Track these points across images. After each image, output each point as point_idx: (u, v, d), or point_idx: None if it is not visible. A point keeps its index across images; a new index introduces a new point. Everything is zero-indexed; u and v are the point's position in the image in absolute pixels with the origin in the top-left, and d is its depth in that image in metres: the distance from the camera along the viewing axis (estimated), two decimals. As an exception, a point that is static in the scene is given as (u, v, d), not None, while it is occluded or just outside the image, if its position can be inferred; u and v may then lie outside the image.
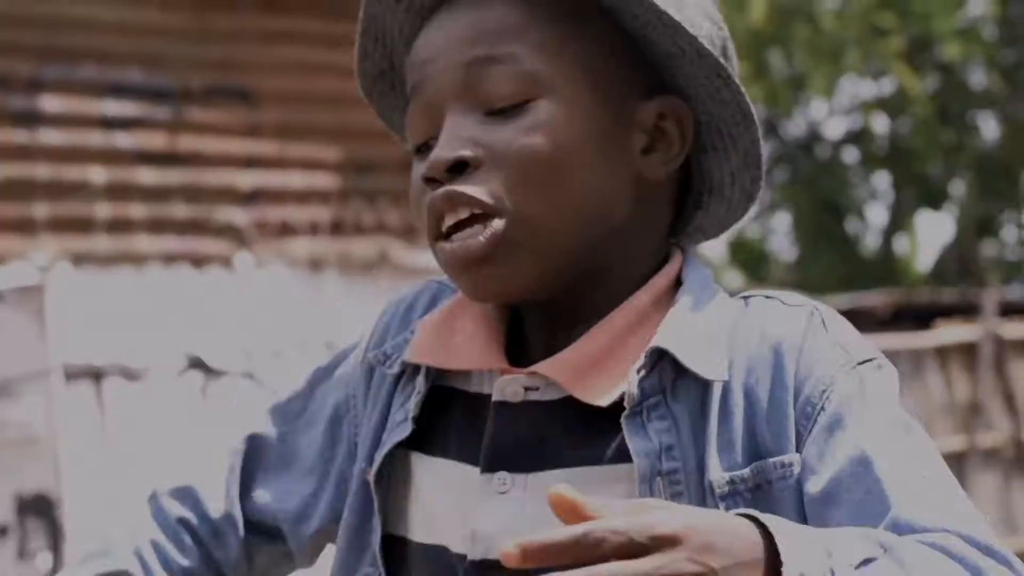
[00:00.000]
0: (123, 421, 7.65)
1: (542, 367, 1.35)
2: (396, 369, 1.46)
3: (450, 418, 1.41)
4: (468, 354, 1.39)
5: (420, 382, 1.42)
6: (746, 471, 1.29)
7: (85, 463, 7.23)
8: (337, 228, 8.73)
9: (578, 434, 1.33)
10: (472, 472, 1.36)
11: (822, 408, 1.30)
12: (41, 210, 7.64)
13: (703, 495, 1.29)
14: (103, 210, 7.86)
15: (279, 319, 8.39)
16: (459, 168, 1.32)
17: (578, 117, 1.34)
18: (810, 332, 1.34)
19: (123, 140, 8.01)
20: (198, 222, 8.19)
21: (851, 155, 21.13)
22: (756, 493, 1.29)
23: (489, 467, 1.35)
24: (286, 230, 8.53)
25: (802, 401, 1.31)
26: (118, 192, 7.93)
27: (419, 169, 1.36)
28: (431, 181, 1.34)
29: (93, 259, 7.76)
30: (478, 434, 1.37)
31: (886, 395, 1.32)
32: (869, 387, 1.31)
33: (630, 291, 1.38)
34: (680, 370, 1.32)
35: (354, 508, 1.45)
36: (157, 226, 8.02)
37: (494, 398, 1.37)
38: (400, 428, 1.41)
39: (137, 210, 7.98)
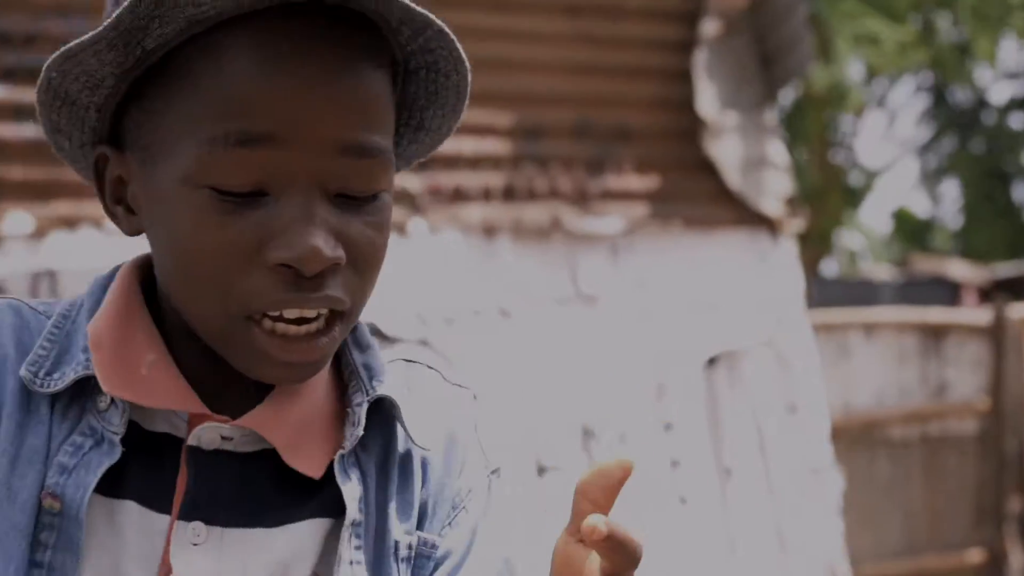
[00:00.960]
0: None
1: (252, 421, 1.32)
2: (55, 388, 1.32)
3: (127, 455, 1.31)
4: (164, 392, 1.32)
5: (102, 406, 1.31)
6: (413, 538, 1.36)
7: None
8: (509, 194, 8.55)
9: (277, 490, 1.33)
10: (160, 520, 1.31)
11: (464, 508, 1.39)
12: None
13: (382, 552, 1.33)
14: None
15: (453, 286, 8.22)
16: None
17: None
18: (472, 427, 1.43)
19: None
20: (376, 189, 8.02)
21: (1018, 120, 20.70)
22: (416, 562, 1.36)
23: (184, 516, 1.30)
24: (459, 196, 8.35)
25: (453, 494, 1.39)
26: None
27: (250, 228, 1.24)
28: (285, 266, 1.23)
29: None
30: (163, 478, 1.32)
31: (499, 507, 1.43)
32: (494, 500, 1.42)
33: None
34: (383, 425, 1.37)
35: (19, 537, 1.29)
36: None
37: (188, 443, 1.32)
38: (95, 455, 1.29)
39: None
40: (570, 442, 8.50)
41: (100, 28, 1.25)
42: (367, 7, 1.26)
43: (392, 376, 1.39)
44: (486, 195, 8.47)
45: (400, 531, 1.34)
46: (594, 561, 1.13)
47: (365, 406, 1.34)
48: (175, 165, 1.25)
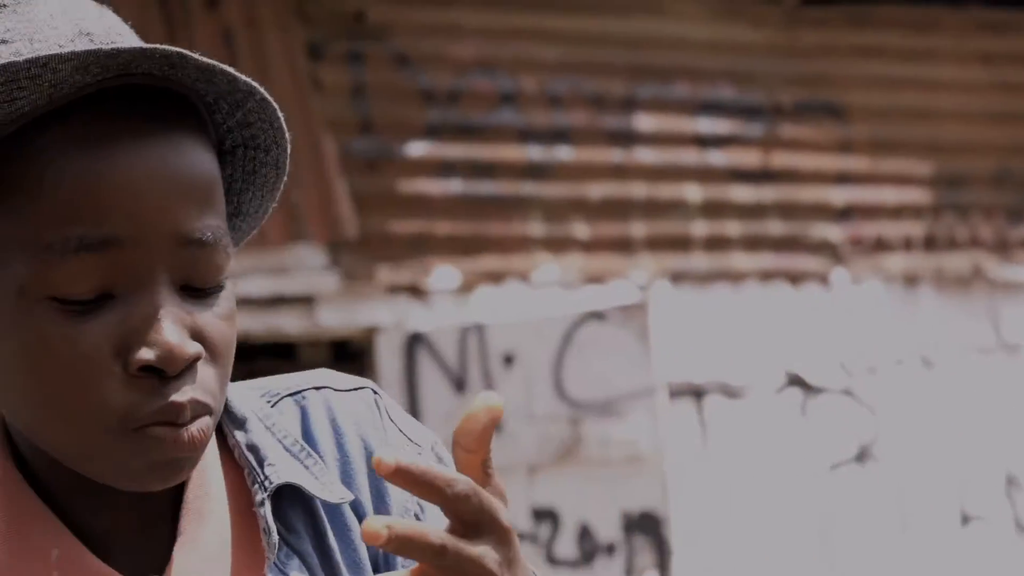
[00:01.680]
0: (723, 439, 7.66)
1: (183, 572, 1.22)
2: None
3: None
4: None
5: None
6: None
7: (688, 481, 7.27)
8: (930, 243, 8.52)
9: None
10: None
11: (415, 516, 1.29)
12: (639, 229, 7.75)
13: None
14: (699, 228, 7.90)
15: (875, 335, 8.23)
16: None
17: None
18: (383, 426, 1.31)
19: (717, 158, 8.04)
20: (793, 239, 8.13)
21: None
22: None
23: None
24: (880, 246, 8.37)
25: (400, 510, 1.29)
26: (713, 210, 7.96)
27: (104, 335, 1.14)
28: (150, 369, 1.14)
29: (691, 277, 7.83)
30: None
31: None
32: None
33: None
34: (297, 499, 1.26)
35: None
36: (753, 243, 8.01)
37: None
38: None
39: (732, 227, 7.99)
40: (994, 491, 8.38)
41: None
42: (186, 84, 1.20)
43: (284, 424, 1.30)
44: (907, 244, 8.46)
45: None
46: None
47: (268, 505, 1.24)
48: (8, 280, 1.15)
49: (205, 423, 1.16)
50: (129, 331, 1.14)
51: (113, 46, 1.12)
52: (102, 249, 1.13)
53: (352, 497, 1.26)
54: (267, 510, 1.23)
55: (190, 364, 1.15)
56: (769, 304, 7.97)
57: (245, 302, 6.65)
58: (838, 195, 8.33)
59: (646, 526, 6.38)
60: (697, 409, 7.65)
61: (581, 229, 7.63)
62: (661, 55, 7.96)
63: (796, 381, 7.94)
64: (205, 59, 1.16)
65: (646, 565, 6.43)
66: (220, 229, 1.18)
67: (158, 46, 1.14)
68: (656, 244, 7.78)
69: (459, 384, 6.73)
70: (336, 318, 7.02)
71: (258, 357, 7.53)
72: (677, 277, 7.78)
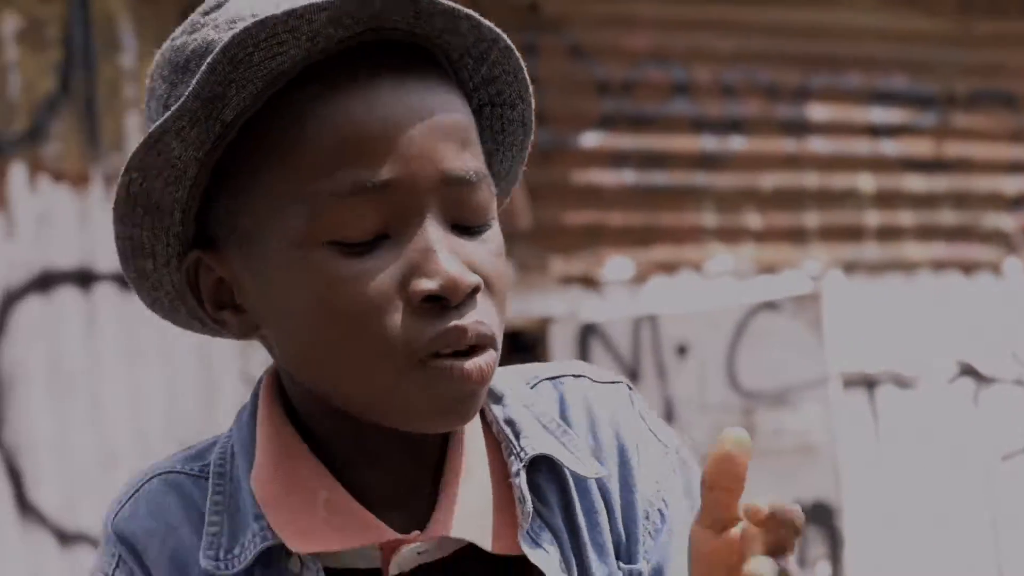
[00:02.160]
0: (895, 429, 7.66)
1: (443, 527, 1.24)
2: (237, 568, 1.25)
3: None
4: (352, 530, 1.23)
5: (295, 569, 1.24)
6: (619, 575, 1.27)
7: (860, 471, 7.29)
8: (1107, 230, 8.42)
9: None
10: None
11: (660, 513, 1.29)
12: (811, 219, 7.78)
13: None
14: (872, 218, 7.91)
15: (1049, 326, 8.17)
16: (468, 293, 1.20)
17: None
18: (637, 420, 1.32)
19: (890, 147, 8.03)
20: (966, 228, 8.11)
21: None
22: None
23: None
24: (1054, 235, 8.31)
25: (643, 505, 1.29)
26: (886, 199, 7.96)
27: (386, 271, 1.18)
28: (432, 299, 1.17)
29: (864, 267, 7.84)
30: None
31: (694, 478, 1.31)
32: (688, 476, 1.32)
33: None
34: (552, 474, 1.27)
35: None
36: (926, 233, 8.00)
37: (391, 573, 1.24)
38: None
39: (905, 217, 7.99)
40: None
41: (180, 102, 1.20)
42: (432, 39, 1.23)
43: (541, 405, 1.32)
44: (1082, 233, 8.38)
45: (603, 574, 1.27)
46: (742, 546, 1.06)
47: (523, 476, 1.26)
48: (284, 233, 1.20)
49: (490, 357, 1.20)
50: (409, 266, 1.17)
51: None
52: (375, 191, 1.17)
53: (606, 472, 1.28)
54: (522, 480, 1.25)
55: (471, 294, 1.18)
56: (941, 294, 7.96)
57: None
58: (1011, 184, 8.28)
59: (818, 516, 6.42)
60: (869, 399, 7.67)
61: (754, 219, 7.68)
62: (835, 45, 7.97)
63: (968, 371, 7.92)
64: (450, 2, 1.20)
65: (818, 555, 6.48)
66: (482, 169, 1.21)
67: None
68: (829, 234, 7.80)
69: (632, 374, 6.81)
70: (510, 309, 7.13)
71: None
72: (850, 267, 7.80)
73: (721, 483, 1.04)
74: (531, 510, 1.24)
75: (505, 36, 1.24)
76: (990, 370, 7.99)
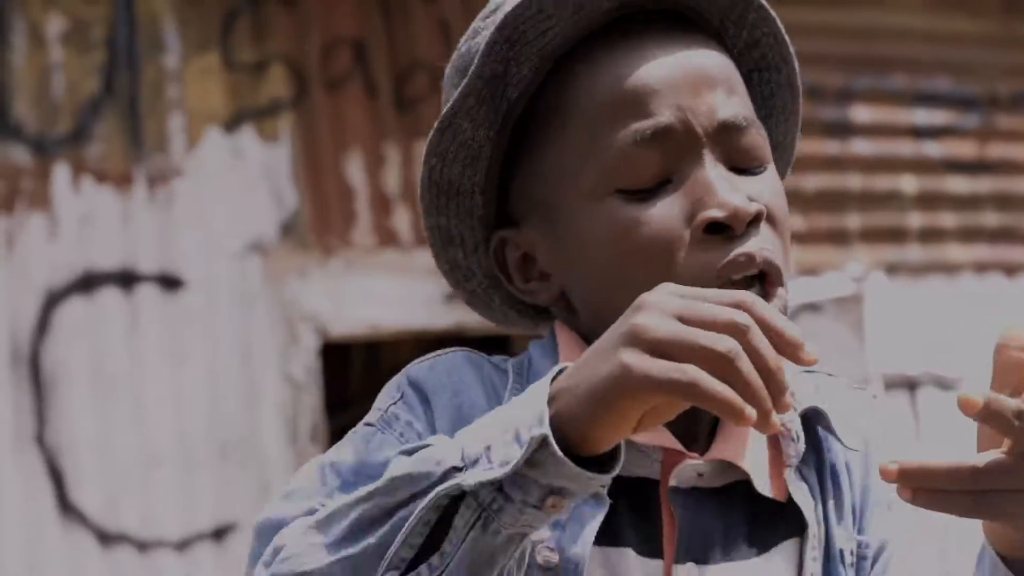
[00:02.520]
0: (937, 431, 7.63)
1: (726, 453, 1.31)
2: None
3: (613, 504, 1.27)
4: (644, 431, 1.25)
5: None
6: (853, 543, 1.34)
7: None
8: None
9: (750, 520, 1.32)
10: (654, 565, 1.29)
11: (888, 505, 1.36)
12: (854, 220, 7.76)
13: (831, 562, 1.32)
14: (914, 219, 7.89)
15: (1094, 329, 8.11)
16: (750, 223, 1.27)
17: None
18: (880, 425, 1.40)
19: (933, 149, 8.00)
20: (1009, 230, 8.07)
21: None
22: (858, 564, 1.35)
23: (678, 559, 1.29)
24: (1095, 237, 8.26)
25: (877, 493, 1.36)
26: (928, 201, 7.94)
27: (671, 210, 1.26)
28: (714, 230, 1.25)
29: (906, 269, 7.81)
30: (649, 522, 1.30)
31: None
32: None
33: None
34: (810, 435, 1.35)
35: None
36: (968, 235, 7.96)
37: (671, 484, 1.30)
38: (585, 507, 1.26)
39: (948, 219, 7.96)
40: None
41: (466, 80, 1.30)
42: (690, 2, 1.33)
43: (802, 385, 1.38)
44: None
45: (843, 538, 1.34)
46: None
47: (798, 419, 1.33)
48: (576, 190, 1.29)
49: (782, 295, 1.27)
50: (692, 202, 1.26)
51: None
52: (655, 139, 1.27)
53: (861, 449, 1.37)
54: (797, 422, 1.33)
55: (753, 223, 1.26)
56: (984, 296, 7.92)
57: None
58: (1055, 186, 8.24)
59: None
60: (911, 401, 7.64)
61: (796, 220, 7.65)
62: (878, 46, 7.94)
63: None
64: None
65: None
66: (750, 115, 1.31)
67: None
68: (871, 236, 7.78)
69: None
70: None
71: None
72: (892, 269, 7.77)
73: (1013, 343, 1.12)
74: (803, 448, 1.32)
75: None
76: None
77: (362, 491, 1.14)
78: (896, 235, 7.85)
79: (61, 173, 6.32)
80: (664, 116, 1.27)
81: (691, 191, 1.26)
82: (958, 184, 8.02)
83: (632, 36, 1.30)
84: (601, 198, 1.28)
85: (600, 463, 1.09)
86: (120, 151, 6.42)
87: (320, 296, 6.50)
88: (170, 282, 6.41)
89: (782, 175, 1.42)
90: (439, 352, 1.36)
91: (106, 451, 6.22)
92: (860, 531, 1.37)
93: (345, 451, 1.29)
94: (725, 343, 1.03)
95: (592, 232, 1.28)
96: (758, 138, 1.30)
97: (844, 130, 7.85)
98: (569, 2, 1.28)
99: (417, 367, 1.35)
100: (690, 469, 1.30)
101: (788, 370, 1.28)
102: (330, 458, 1.29)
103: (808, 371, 1.40)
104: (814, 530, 1.32)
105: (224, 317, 6.44)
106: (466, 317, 6.78)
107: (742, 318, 1.05)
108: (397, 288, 6.60)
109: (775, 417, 1.05)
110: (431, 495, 1.09)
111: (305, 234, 6.53)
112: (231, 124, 6.59)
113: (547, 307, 1.38)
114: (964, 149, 8.07)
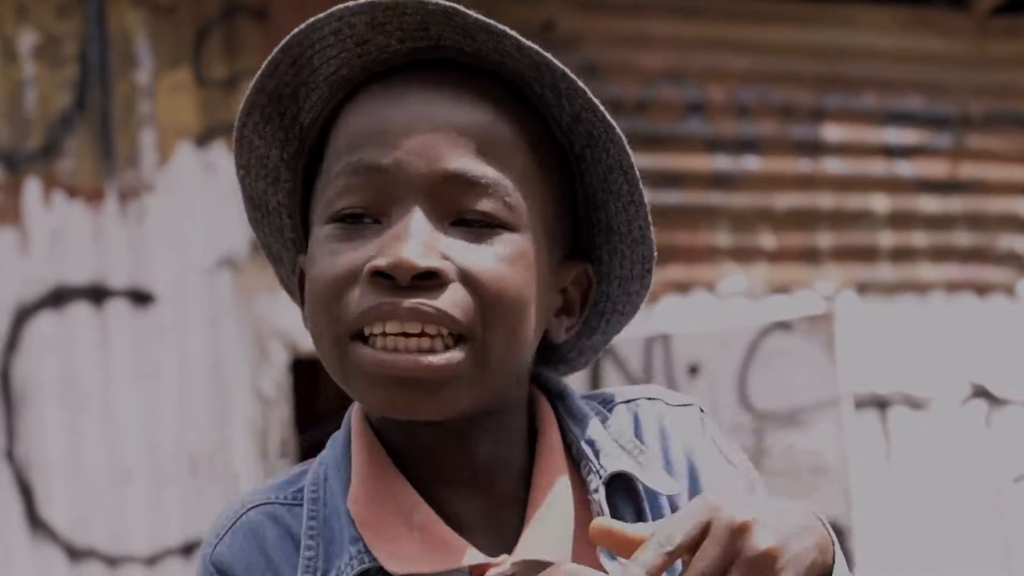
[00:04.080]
0: (907, 450, 7.65)
1: (531, 550, 1.27)
2: None
3: None
4: (444, 553, 1.26)
5: None
6: None
7: (872, 492, 7.28)
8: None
9: None
10: None
11: None
12: (825, 239, 7.79)
13: None
14: (886, 239, 7.91)
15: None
16: (423, 277, 1.22)
17: (538, 260, 1.27)
18: (708, 443, 1.35)
19: (904, 168, 8.03)
20: (980, 250, 8.10)
21: None
22: None
23: None
24: (1069, 257, 8.30)
25: None
26: (900, 220, 7.97)
27: (360, 250, 1.24)
28: (381, 276, 1.21)
29: (877, 288, 7.84)
30: None
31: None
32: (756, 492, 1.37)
33: (521, 428, 1.33)
34: (627, 493, 1.32)
35: None
36: (940, 254, 8.00)
37: None
38: None
39: (919, 238, 7.99)
40: None
41: (247, 94, 1.29)
42: (486, 55, 1.28)
43: (618, 426, 1.35)
44: (1098, 255, 8.38)
45: None
46: None
47: (603, 492, 1.30)
48: (316, 215, 1.29)
49: (452, 353, 1.22)
50: (378, 246, 1.22)
51: (397, 0, 1.24)
52: (369, 172, 1.24)
53: (679, 489, 1.32)
54: (601, 496, 1.29)
55: (426, 278, 1.20)
56: (955, 315, 7.95)
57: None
58: (1027, 206, 8.29)
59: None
60: (881, 420, 7.66)
61: (768, 239, 7.68)
62: (850, 65, 7.98)
63: (981, 392, 7.91)
64: (481, 18, 1.24)
65: None
66: (489, 173, 1.24)
67: (433, 1, 1.24)
68: (842, 254, 7.81)
69: (644, 393, 6.81)
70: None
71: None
72: (863, 288, 7.80)
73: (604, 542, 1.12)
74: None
75: (558, 62, 1.25)
76: (1003, 392, 7.98)
77: None
78: (867, 254, 7.88)
79: (32, 188, 6.30)
80: (384, 155, 1.24)
81: (384, 236, 1.23)
82: (930, 204, 8.05)
83: (401, 78, 1.27)
84: (322, 224, 1.26)
85: None
86: (91, 166, 6.40)
87: (290, 312, 6.49)
88: (141, 297, 6.39)
89: (640, 273, 1.37)
90: (232, 515, 1.33)
91: (75, 466, 6.20)
92: None
93: None
94: None
95: (310, 257, 1.28)
96: (495, 201, 1.24)
97: (815, 149, 7.88)
98: (346, 32, 1.26)
99: (218, 548, 1.31)
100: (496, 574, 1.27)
101: (593, 425, 1.34)
102: None
103: (628, 400, 1.38)
104: None
105: (194, 332, 6.42)
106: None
107: None
108: (369, 304, 6.58)
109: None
110: None
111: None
112: (203, 139, 6.58)
113: None
114: (936, 169, 8.10)
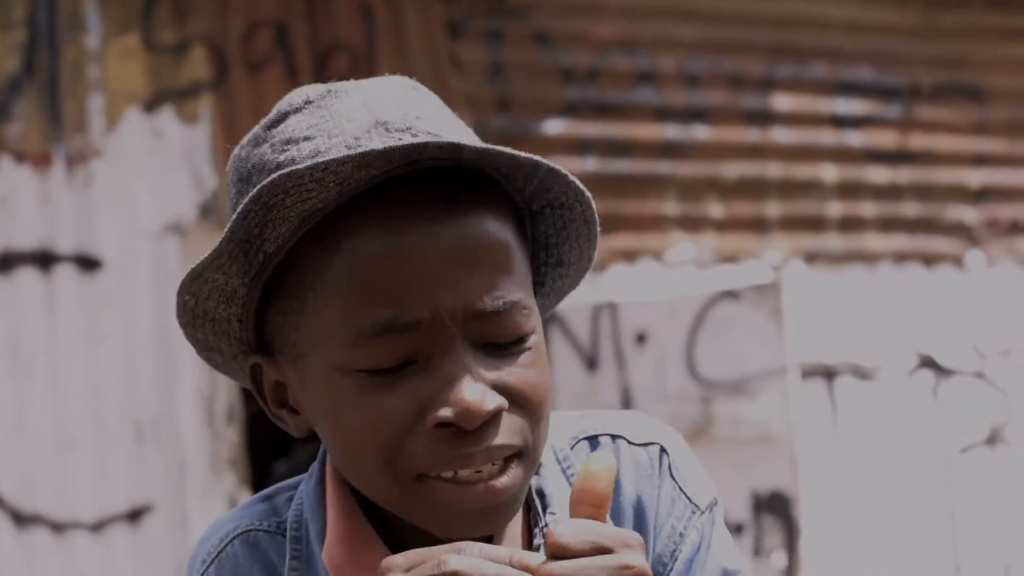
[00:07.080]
0: (854, 420, 7.69)
1: None
2: None
3: None
4: None
5: None
6: None
7: (819, 461, 7.32)
8: (1067, 225, 8.47)
9: None
10: None
11: (671, 568, 1.39)
12: (773, 208, 7.81)
13: None
14: (834, 208, 7.94)
15: (1009, 318, 8.21)
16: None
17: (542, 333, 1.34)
18: (661, 484, 1.41)
19: (854, 138, 8.06)
20: (929, 220, 8.14)
21: None
22: None
23: None
24: (1016, 228, 8.35)
25: (654, 559, 1.39)
26: (849, 190, 8.00)
27: (406, 398, 1.26)
28: (445, 425, 1.25)
29: (825, 257, 7.87)
30: None
31: (721, 541, 1.43)
32: (710, 539, 1.42)
33: None
34: None
35: None
36: (888, 224, 8.03)
37: None
38: None
39: (868, 208, 8.02)
40: None
41: (217, 244, 1.28)
42: (471, 165, 1.29)
43: (576, 465, 1.41)
44: (1044, 227, 8.43)
45: None
46: None
47: (543, 551, 1.26)
48: (325, 358, 1.28)
49: (513, 470, 1.27)
50: (430, 393, 1.25)
51: (387, 146, 1.22)
52: (405, 331, 1.25)
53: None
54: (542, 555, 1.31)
55: (491, 419, 1.25)
56: (903, 286, 7.99)
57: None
58: (974, 177, 8.32)
59: (775, 506, 6.45)
60: (828, 390, 7.70)
61: (716, 208, 7.70)
62: (800, 35, 7.98)
63: (928, 363, 7.96)
64: (482, 145, 1.26)
65: (774, 545, 6.50)
66: (511, 298, 1.28)
67: (431, 141, 1.24)
68: (791, 224, 7.83)
69: (591, 362, 6.83)
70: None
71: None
72: (811, 257, 7.83)
73: (587, 499, 1.15)
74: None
75: (546, 162, 1.28)
76: (950, 362, 8.03)
77: None
78: (815, 224, 7.91)
79: (-22, 152, 6.26)
80: (415, 308, 1.25)
81: (431, 381, 1.26)
82: (878, 174, 8.09)
83: (398, 202, 1.26)
84: (347, 373, 1.27)
85: None
86: (39, 131, 6.35)
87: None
88: (88, 263, 6.35)
89: (567, 290, 1.45)
90: (218, 542, 1.39)
91: (21, 432, 6.16)
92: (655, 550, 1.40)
93: None
94: None
95: (335, 401, 1.29)
96: (519, 317, 1.29)
97: (765, 118, 7.89)
98: (329, 180, 1.25)
99: None
100: None
101: (549, 474, 1.39)
102: None
103: (591, 436, 1.43)
104: None
105: (142, 298, 6.39)
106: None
107: None
108: (318, 271, 6.56)
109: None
110: None
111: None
112: (151, 105, 6.53)
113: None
114: (885, 139, 8.13)
